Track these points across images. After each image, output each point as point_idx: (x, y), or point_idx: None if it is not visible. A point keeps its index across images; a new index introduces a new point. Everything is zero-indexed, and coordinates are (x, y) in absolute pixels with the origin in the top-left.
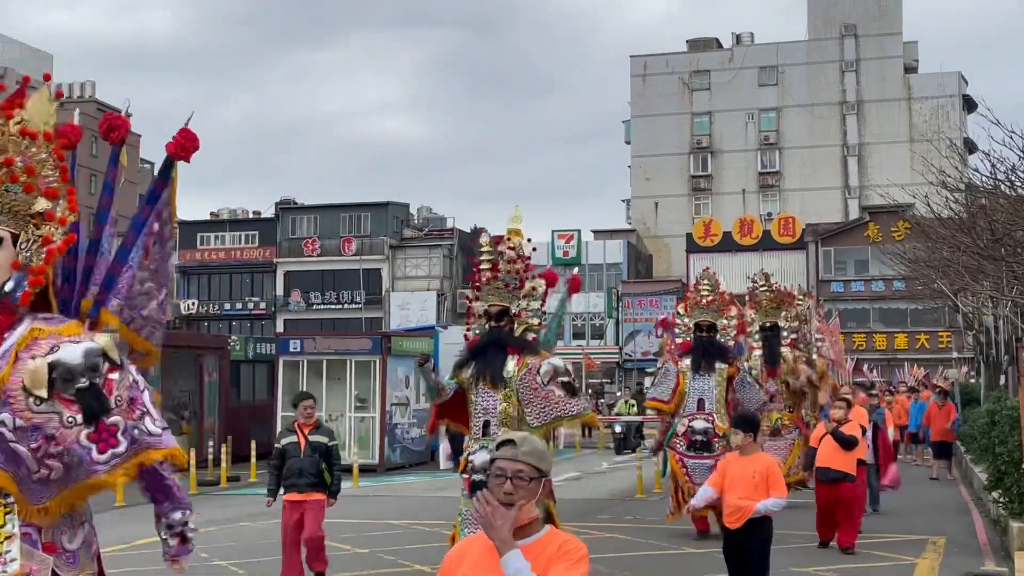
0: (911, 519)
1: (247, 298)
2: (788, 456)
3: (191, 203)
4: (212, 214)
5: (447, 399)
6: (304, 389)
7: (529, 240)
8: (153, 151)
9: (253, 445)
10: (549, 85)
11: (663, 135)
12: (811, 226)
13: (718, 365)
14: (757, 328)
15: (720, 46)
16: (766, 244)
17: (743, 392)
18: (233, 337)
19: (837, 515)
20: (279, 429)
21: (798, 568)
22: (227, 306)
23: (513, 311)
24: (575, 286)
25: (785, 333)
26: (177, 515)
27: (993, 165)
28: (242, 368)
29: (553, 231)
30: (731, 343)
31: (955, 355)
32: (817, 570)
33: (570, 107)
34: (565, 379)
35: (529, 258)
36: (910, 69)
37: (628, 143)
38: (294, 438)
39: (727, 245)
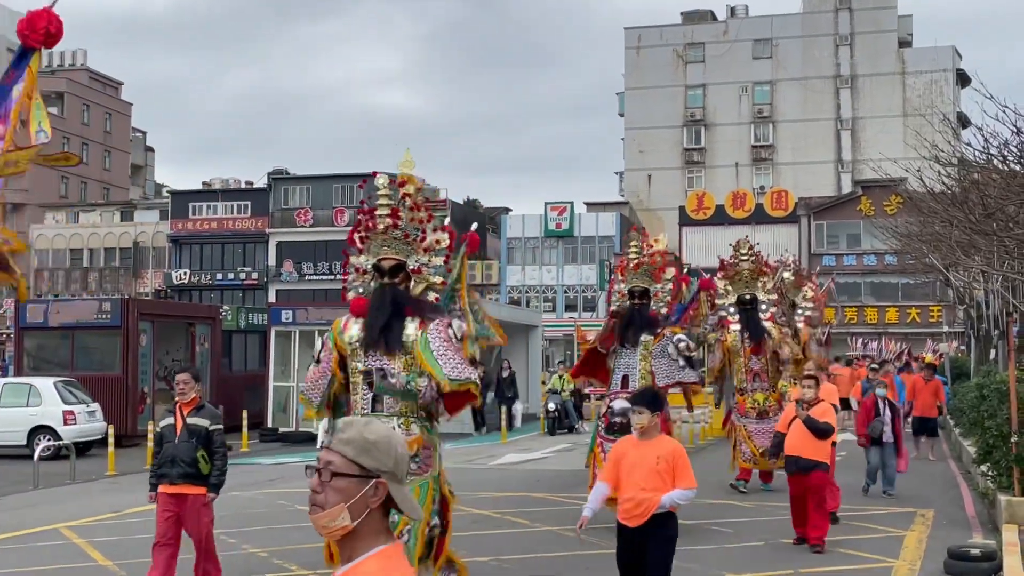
0: (900, 492)
1: (239, 268)
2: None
3: (183, 172)
4: (204, 183)
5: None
6: (296, 360)
7: (419, 188)
8: (145, 121)
9: (245, 415)
10: (547, 58)
11: (657, 107)
12: (804, 199)
13: (643, 337)
14: (733, 300)
15: (715, 18)
16: (759, 217)
17: (657, 361)
18: (225, 307)
19: (808, 505)
20: (270, 400)
21: (787, 540)
22: (219, 276)
23: (411, 267)
24: (474, 244)
25: (764, 306)
26: None
27: (986, 140)
28: (234, 338)
29: (546, 203)
30: (664, 310)
31: (946, 329)
32: None
33: (567, 79)
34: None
35: (431, 207)
36: (904, 43)
37: (622, 115)
38: (171, 420)
39: (720, 218)
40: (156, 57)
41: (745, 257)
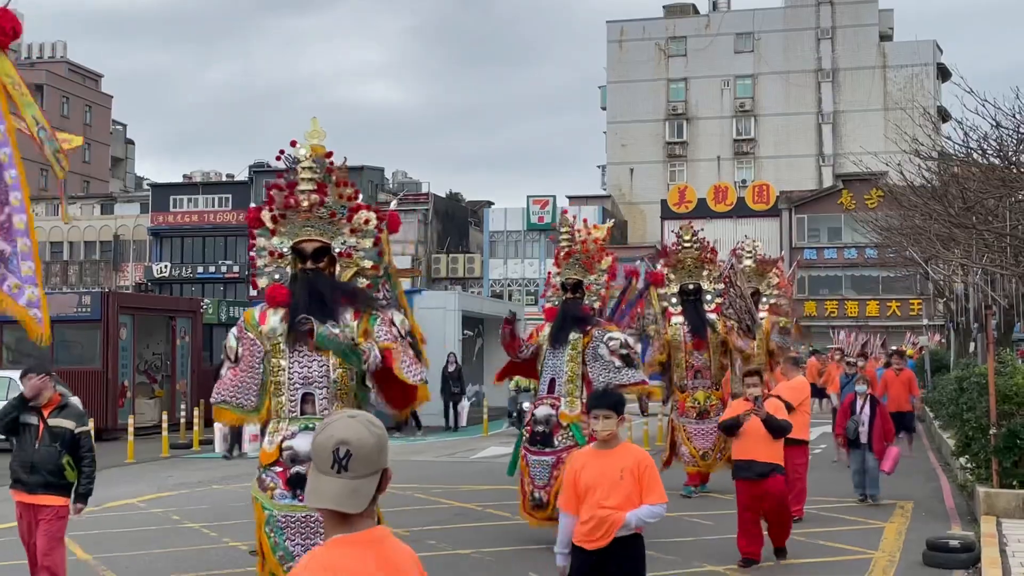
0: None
1: (220, 261)
2: (717, 440)
3: (164, 165)
4: (185, 176)
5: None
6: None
7: (329, 154)
8: (126, 113)
9: None
10: (530, 52)
11: (639, 101)
12: (785, 193)
13: (572, 335)
14: (675, 290)
15: (697, 12)
16: (740, 211)
17: (591, 366)
18: (206, 300)
19: (766, 516)
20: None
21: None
22: (200, 269)
23: (337, 249)
24: (393, 223)
25: (709, 297)
26: None
27: (966, 133)
28: (215, 331)
29: (528, 196)
30: (597, 304)
31: (926, 322)
32: None
33: (550, 73)
34: (412, 340)
35: (358, 188)
36: (885, 37)
37: (604, 109)
38: (32, 420)
39: (702, 212)
40: (138, 49)
41: (689, 245)
